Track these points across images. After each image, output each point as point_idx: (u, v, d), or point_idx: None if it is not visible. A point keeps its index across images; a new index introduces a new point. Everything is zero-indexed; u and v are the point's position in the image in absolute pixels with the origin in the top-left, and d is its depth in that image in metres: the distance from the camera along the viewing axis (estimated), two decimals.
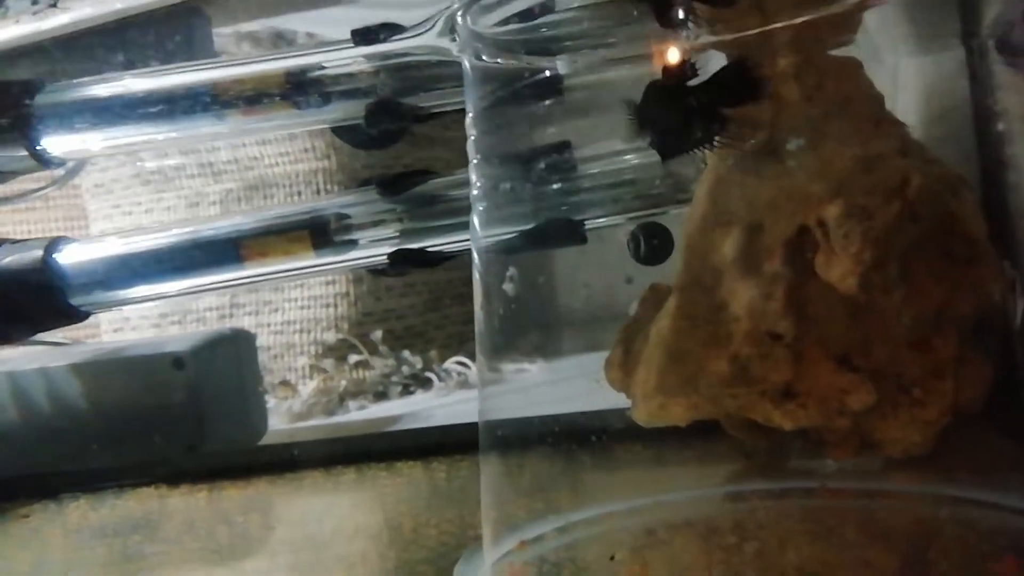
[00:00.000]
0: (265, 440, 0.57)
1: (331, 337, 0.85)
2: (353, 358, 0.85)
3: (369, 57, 0.43)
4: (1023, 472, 0.32)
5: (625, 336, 0.42)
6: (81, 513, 0.45)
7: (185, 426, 0.53)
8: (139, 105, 0.44)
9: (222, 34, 0.66)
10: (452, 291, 0.98)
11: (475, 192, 0.38)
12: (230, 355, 0.56)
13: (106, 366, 0.54)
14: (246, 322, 0.84)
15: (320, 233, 0.43)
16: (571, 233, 0.44)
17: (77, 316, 0.48)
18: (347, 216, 0.43)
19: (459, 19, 0.34)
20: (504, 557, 0.29)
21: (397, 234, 0.44)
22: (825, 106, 0.37)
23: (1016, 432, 0.36)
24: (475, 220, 0.38)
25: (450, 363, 0.87)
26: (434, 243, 0.44)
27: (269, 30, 0.71)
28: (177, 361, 0.52)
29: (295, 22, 0.71)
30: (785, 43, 0.37)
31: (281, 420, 0.74)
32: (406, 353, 0.87)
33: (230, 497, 0.45)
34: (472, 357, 0.83)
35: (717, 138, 0.31)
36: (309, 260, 0.43)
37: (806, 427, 0.36)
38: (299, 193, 0.82)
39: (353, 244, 0.43)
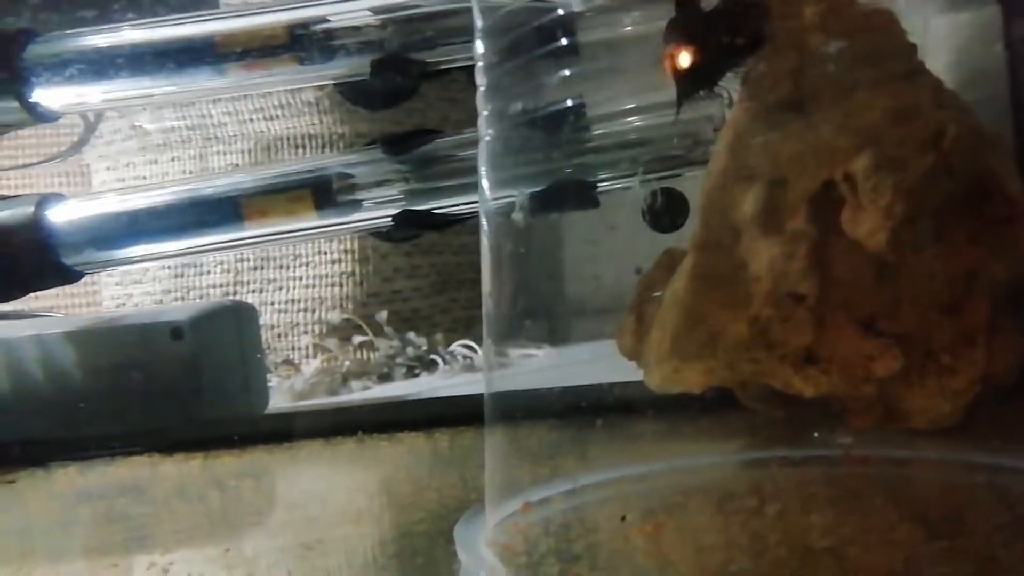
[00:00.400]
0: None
1: (336, 317, 0.84)
2: (357, 339, 0.83)
3: (375, 9, 0.41)
4: None
5: (637, 301, 0.40)
6: (69, 479, 0.44)
7: (182, 398, 0.51)
8: (137, 57, 0.42)
9: None
10: (460, 275, 0.96)
11: (483, 148, 0.36)
12: (231, 327, 0.55)
13: (102, 335, 0.53)
14: (250, 300, 0.83)
15: (323, 192, 0.41)
16: (584, 195, 0.42)
17: (70, 276, 0.46)
18: (351, 176, 0.41)
19: None
20: (508, 518, 0.27)
21: (402, 195, 0.42)
22: (853, 57, 0.35)
23: None
24: (483, 180, 0.36)
25: (456, 346, 0.86)
26: (441, 205, 0.42)
27: None
28: (175, 331, 0.50)
29: None
30: None
31: (283, 399, 0.73)
32: (411, 335, 0.86)
33: (224, 464, 0.43)
34: (478, 341, 0.81)
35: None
36: (312, 221, 0.42)
37: (828, 395, 0.34)
38: (303, 147, 0.80)
39: (357, 205, 0.42)
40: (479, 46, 0.32)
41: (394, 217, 0.42)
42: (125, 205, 0.45)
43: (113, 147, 0.83)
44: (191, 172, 0.81)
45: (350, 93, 0.46)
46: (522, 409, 0.34)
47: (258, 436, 0.47)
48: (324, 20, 0.42)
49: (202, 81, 0.42)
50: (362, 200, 0.42)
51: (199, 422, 0.50)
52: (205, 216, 0.43)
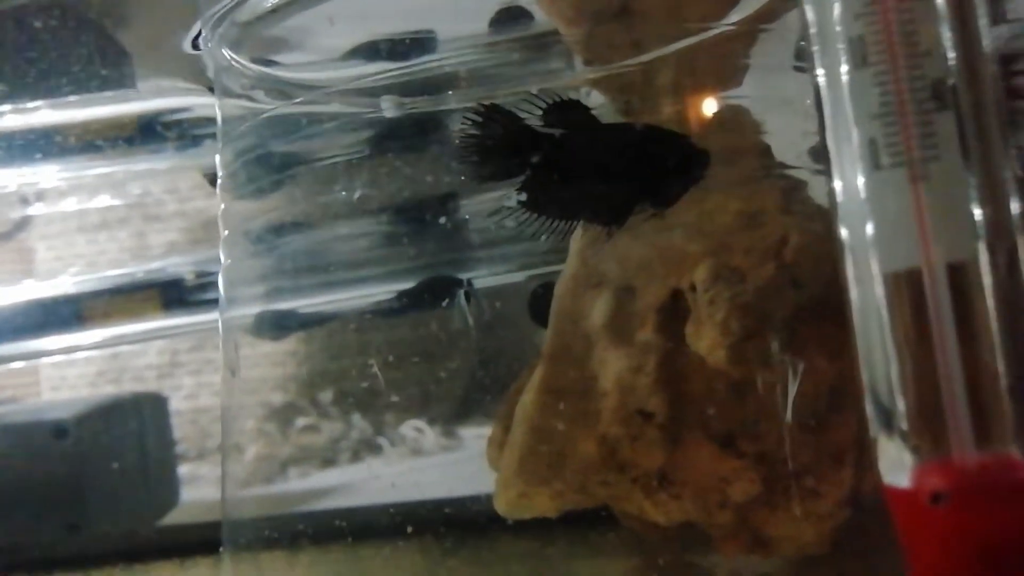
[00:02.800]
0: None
1: (278, 399, 0.82)
2: (300, 421, 0.81)
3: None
4: None
5: (507, 411, 0.38)
6: None
7: (65, 503, 0.49)
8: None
9: None
10: (417, 348, 0.94)
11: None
12: (127, 422, 0.53)
13: None
14: (187, 382, 0.81)
15: (172, 292, 0.39)
16: (455, 292, 0.40)
17: None
18: (212, 273, 0.40)
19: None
20: None
21: (267, 292, 0.40)
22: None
23: None
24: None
25: (405, 427, 0.83)
26: (308, 302, 0.40)
27: None
28: (58, 430, 0.48)
29: None
30: (666, 86, 0.33)
31: (217, 489, 0.70)
32: (356, 416, 0.83)
33: None
34: (431, 421, 0.79)
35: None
36: (159, 321, 0.40)
37: (684, 522, 0.31)
38: None
39: (215, 303, 0.40)
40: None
41: (256, 316, 0.40)
42: None
43: (52, 227, 0.83)
44: (130, 249, 0.80)
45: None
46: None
47: (153, 549, 0.45)
48: (188, 109, 0.40)
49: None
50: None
51: (84, 530, 0.48)
52: (43, 319, 0.41)
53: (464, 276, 0.42)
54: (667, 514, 0.31)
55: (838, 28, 0.18)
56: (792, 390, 0.30)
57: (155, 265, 0.42)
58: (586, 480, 0.32)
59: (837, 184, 0.20)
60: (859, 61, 0.19)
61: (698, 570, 0.33)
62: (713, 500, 0.31)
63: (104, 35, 0.42)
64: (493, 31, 0.35)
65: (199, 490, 0.69)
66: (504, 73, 0.36)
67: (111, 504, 0.51)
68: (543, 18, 0.34)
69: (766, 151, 0.32)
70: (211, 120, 0.40)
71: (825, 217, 0.31)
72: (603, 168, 0.28)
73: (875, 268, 0.19)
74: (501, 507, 0.33)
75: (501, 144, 0.27)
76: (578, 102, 0.28)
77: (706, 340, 0.29)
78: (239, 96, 0.33)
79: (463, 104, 0.37)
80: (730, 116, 0.33)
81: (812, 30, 0.19)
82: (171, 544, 0.48)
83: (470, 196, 0.41)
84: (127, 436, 0.52)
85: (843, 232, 0.20)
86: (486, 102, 0.28)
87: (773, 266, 0.29)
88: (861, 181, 0.19)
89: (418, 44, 0.36)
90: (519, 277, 0.43)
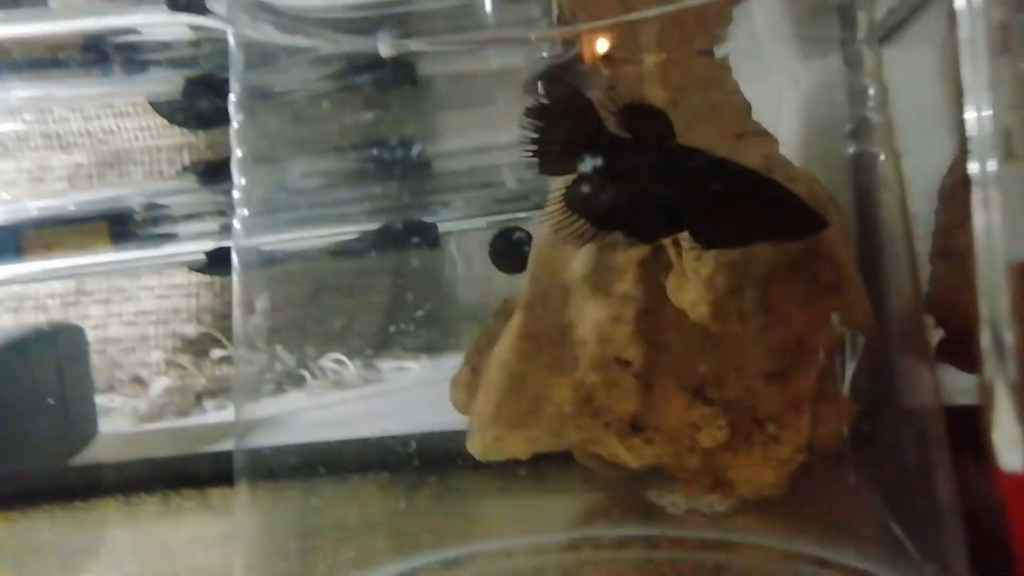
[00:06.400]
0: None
1: (191, 330, 0.79)
2: (216, 353, 0.79)
3: (193, 25, 0.37)
4: (873, 529, 0.30)
5: (474, 352, 0.38)
6: None
7: None
8: None
9: None
10: (336, 281, 0.92)
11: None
12: (39, 356, 0.50)
13: None
14: (94, 311, 0.77)
15: (120, 224, 0.37)
16: (423, 235, 0.40)
17: None
18: (162, 207, 0.38)
19: None
20: None
21: (220, 229, 0.38)
22: (690, 113, 0.34)
23: (871, 474, 0.34)
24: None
25: (326, 360, 0.82)
26: (267, 239, 0.39)
27: None
28: None
29: None
30: (651, 40, 0.34)
31: (127, 422, 0.68)
32: (279, 348, 0.81)
33: (20, 524, 0.39)
34: (351, 355, 0.78)
35: None
36: (107, 255, 0.38)
37: (654, 465, 0.33)
38: (160, 172, 0.76)
39: (167, 238, 0.38)
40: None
41: (207, 253, 0.39)
42: None
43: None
44: (30, 171, 0.74)
45: (166, 110, 0.42)
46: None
47: (64, 490, 0.43)
48: (135, 31, 0.38)
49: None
50: (174, 233, 0.38)
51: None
52: None
53: (429, 220, 0.41)
54: (639, 458, 0.32)
55: (980, 13, 0.18)
56: (763, 343, 0.32)
57: (101, 195, 0.40)
58: (561, 425, 0.32)
59: (973, 168, 0.20)
60: (999, 48, 0.19)
61: (657, 508, 0.35)
62: (683, 445, 0.32)
63: None
64: None
65: (112, 422, 0.67)
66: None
67: (19, 443, 0.48)
68: None
69: (747, 110, 0.33)
70: (162, 44, 0.37)
71: (805, 180, 0.33)
72: (674, 193, 0.26)
73: (1001, 255, 0.19)
74: (476, 450, 0.33)
75: (570, 135, 0.26)
76: (661, 112, 0.26)
77: (690, 295, 0.30)
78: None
79: (435, 47, 0.37)
80: (713, 72, 0.33)
81: (957, 11, 0.19)
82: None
83: (435, 140, 0.41)
84: (39, 370, 0.50)
85: (976, 217, 0.20)
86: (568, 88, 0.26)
87: None
88: (993, 169, 0.19)
89: None
90: (481, 223, 0.43)
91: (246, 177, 0.31)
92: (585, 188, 0.26)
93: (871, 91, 0.35)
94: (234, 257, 0.30)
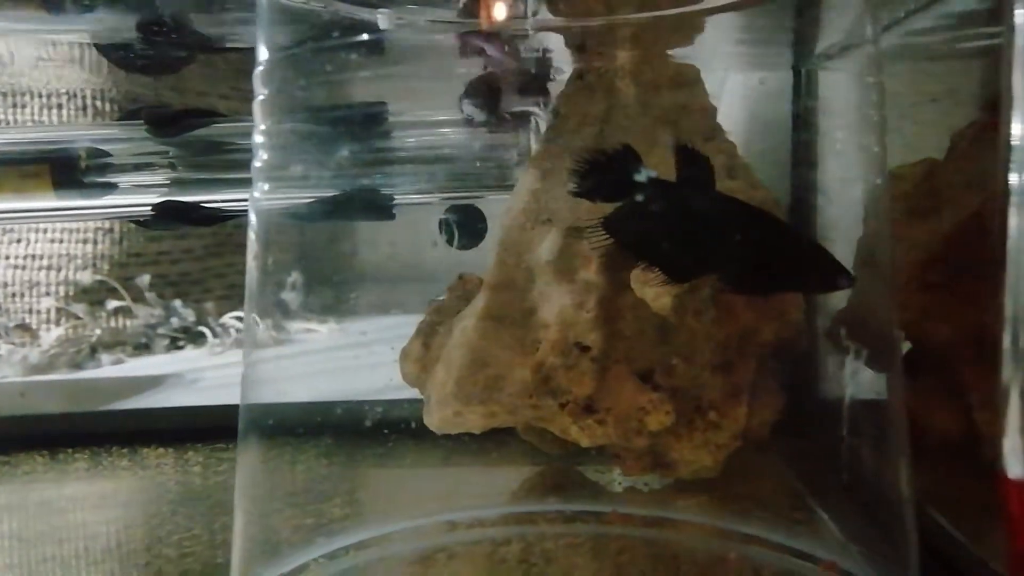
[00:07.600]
0: None
1: (86, 278, 0.75)
2: (112, 304, 0.75)
3: None
4: (801, 511, 0.32)
5: (426, 327, 0.39)
6: None
7: None
8: None
9: None
10: (239, 237, 0.90)
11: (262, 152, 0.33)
12: None
13: None
14: None
15: (64, 170, 0.35)
16: (378, 207, 0.40)
17: None
18: (106, 154, 0.36)
19: None
20: None
21: (168, 182, 0.37)
22: (659, 111, 0.35)
23: (796, 460, 0.37)
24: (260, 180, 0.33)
25: (228, 318, 0.80)
26: (212, 198, 0.38)
27: None
28: None
29: None
30: (626, 37, 0.35)
31: (13, 371, 0.64)
32: (177, 303, 0.79)
33: None
34: (260, 314, 0.76)
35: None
36: (48, 202, 0.36)
37: (602, 445, 0.35)
38: (59, 106, 0.71)
39: (110, 187, 0.36)
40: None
41: (154, 207, 0.37)
42: None
43: None
44: None
45: (112, 54, 0.39)
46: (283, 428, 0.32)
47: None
48: None
49: None
50: (117, 183, 0.37)
51: None
52: None
53: (385, 191, 0.41)
54: (591, 437, 0.34)
55: None
56: (711, 336, 0.34)
57: (43, 136, 0.37)
58: (519, 403, 0.34)
59: (1016, 135, 0.20)
60: None
61: (597, 485, 0.37)
62: (632, 427, 0.34)
63: None
64: None
65: None
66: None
67: None
68: None
69: (714, 112, 0.35)
70: None
71: (760, 185, 0.35)
72: (711, 237, 0.27)
73: None
74: (434, 423, 0.34)
75: (614, 166, 0.27)
76: (706, 159, 0.27)
77: (653, 289, 0.32)
78: None
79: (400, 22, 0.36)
80: (683, 75, 0.35)
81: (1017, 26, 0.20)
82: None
83: (398, 113, 0.40)
84: None
85: (1013, 177, 0.21)
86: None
87: None
88: None
89: None
90: (433, 198, 0.44)
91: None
92: (623, 218, 0.27)
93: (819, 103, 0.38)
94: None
